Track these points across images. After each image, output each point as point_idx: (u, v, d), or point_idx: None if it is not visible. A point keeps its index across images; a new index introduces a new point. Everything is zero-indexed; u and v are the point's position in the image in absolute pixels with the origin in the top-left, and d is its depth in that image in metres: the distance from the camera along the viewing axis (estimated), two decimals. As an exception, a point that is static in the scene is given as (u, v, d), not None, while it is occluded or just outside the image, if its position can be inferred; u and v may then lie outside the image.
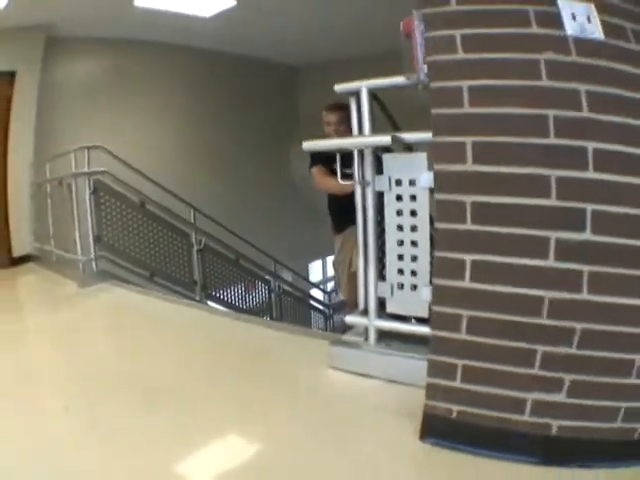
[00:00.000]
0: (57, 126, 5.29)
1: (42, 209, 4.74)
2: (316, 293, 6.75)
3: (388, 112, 2.14)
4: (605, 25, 1.26)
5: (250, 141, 6.94)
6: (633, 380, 1.27)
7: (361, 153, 1.86)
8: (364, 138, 1.85)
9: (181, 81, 6.54)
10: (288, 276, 5.96)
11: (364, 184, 1.86)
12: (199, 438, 1.55)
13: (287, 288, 5.29)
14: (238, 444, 1.57)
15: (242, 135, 6.90)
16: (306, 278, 7.21)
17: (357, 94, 1.88)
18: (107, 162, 3.91)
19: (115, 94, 5.83)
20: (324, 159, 2.83)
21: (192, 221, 4.36)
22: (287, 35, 6.05)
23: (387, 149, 1.84)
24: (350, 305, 2.82)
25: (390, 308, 1.82)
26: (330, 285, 7.63)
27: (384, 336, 1.87)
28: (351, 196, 1.99)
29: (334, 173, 2.24)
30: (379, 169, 1.84)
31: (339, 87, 1.90)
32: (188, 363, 2.13)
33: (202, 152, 6.60)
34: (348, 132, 2.16)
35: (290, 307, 5.25)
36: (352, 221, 2.02)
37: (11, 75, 5.10)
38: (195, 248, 4.21)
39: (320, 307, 5.96)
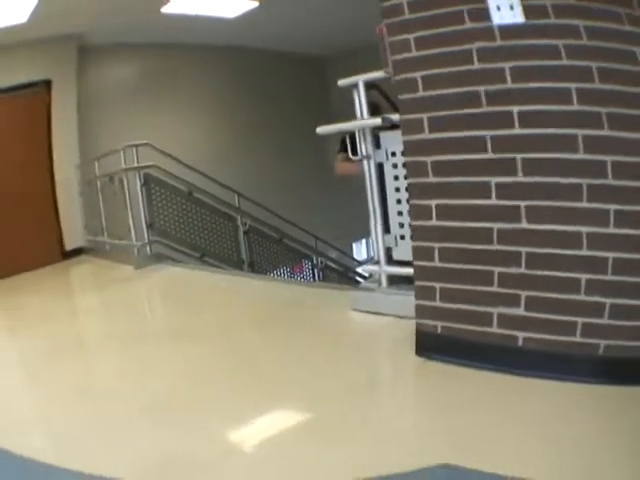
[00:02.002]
0: (99, 127, 5.78)
1: (93, 204, 5.26)
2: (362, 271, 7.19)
3: (388, 98, 2.54)
4: (526, 8, 1.57)
5: (288, 128, 7.36)
6: (583, 297, 1.56)
7: (363, 133, 2.30)
8: (362, 121, 2.27)
9: (215, 78, 6.97)
10: (333, 255, 6.40)
11: (367, 158, 2.29)
12: (250, 362, 2.07)
13: (332, 265, 5.75)
14: (282, 364, 2.03)
15: (280, 123, 7.32)
16: (350, 255, 7.65)
17: (357, 86, 2.31)
18: (153, 157, 4.42)
19: (153, 94, 6.31)
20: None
21: (237, 205, 4.91)
22: (312, 28, 6.32)
23: (385, 128, 2.26)
24: None
25: (396, 256, 2.25)
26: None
27: (395, 280, 2.30)
28: None
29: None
30: (378, 145, 2.27)
31: (341, 82, 2.34)
32: (236, 314, 2.65)
33: (243, 142, 7.03)
34: None
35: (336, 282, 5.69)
36: None
37: (47, 83, 5.51)
38: (241, 230, 4.77)
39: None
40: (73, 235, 5.69)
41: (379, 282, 2.33)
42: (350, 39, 6.62)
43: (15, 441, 1.59)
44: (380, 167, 2.27)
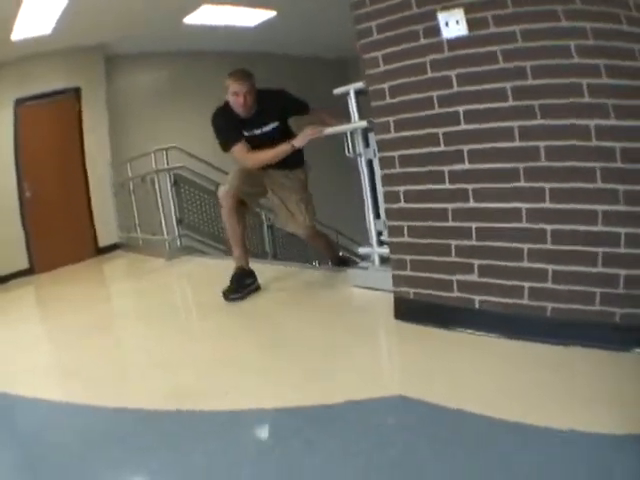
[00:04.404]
0: (128, 132, 6.16)
1: (126, 203, 5.71)
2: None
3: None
4: (470, 21, 1.86)
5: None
6: (526, 264, 1.85)
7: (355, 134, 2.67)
8: (353, 124, 2.64)
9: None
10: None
11: (359, 155, 2.66)
12: (266, 322, 2.49)
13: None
14: (290, 322, 2.44)
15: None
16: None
17: (349, 93, 2.68)
18: (180, 158, 4.83)
19: (177, 99, 6.65)
20: (232, 129, 2.84)
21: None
22: (328, 33, 6.48)
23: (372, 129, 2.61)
24: None
25: (384, 238, 2.60)
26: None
27: (386, 260, 2.65)
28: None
29: (243, 137, 2.82)
30: (367, 144, 2.63)
31: (336, 90, 2.71)
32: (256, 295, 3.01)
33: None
34: (253, 102, 2.77)
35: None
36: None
37: (76, 91, 5.92)
38: (265, 224, 5.20)
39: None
40: (107, 232, 6.20)
41: (373, 262, 2.69)
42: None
43: (61, 390, 2.09)
44: (370, 162, 2.63)
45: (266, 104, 2.85)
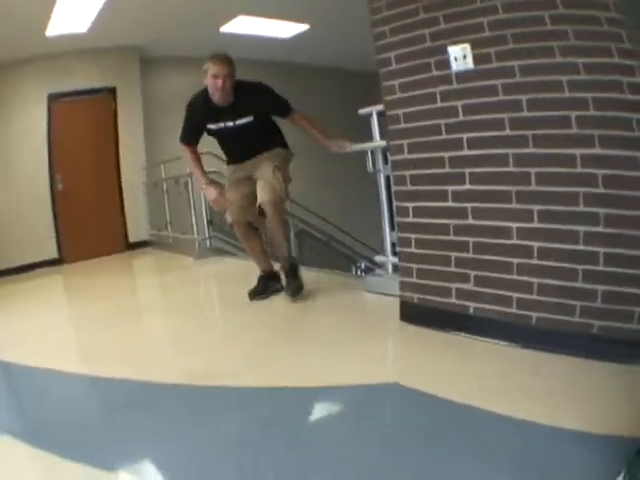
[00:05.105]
0: (161, 133, 6.32)
1: (159, 202, 5.95)
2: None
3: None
4: (476, 56, 2.09)
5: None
6: (515, 276, 2.06)
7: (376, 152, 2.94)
8: (374, 142, 2.91)
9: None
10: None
11: (378, 171, 2.93)
12: (281, 319, 2.78)
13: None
14: (306, 320, 2.74)
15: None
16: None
17: (372, 114, 2.95)
18: (213, 163, 4.78)
19: None
20: (196, 127, 2.94)
21: (288, 209, 5.54)
22: (360, 49, 6.73)
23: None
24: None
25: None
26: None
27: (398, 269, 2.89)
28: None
29: (206, 130, 2.93)
30: (386, 161, 2.89)
31: (361, 111, 2.99)
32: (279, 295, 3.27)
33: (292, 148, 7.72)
34: (231, 90, 2.75)
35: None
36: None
37: (111, 91, 6.06)
38: (293, 232, 5.32)
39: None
40: (138, 229, 6.49)
41: (386, 270, 2.94)
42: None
43: (93, 370, 2.39)
44: (388, 178, 2.89)
45: (243, 95, 2.81)
